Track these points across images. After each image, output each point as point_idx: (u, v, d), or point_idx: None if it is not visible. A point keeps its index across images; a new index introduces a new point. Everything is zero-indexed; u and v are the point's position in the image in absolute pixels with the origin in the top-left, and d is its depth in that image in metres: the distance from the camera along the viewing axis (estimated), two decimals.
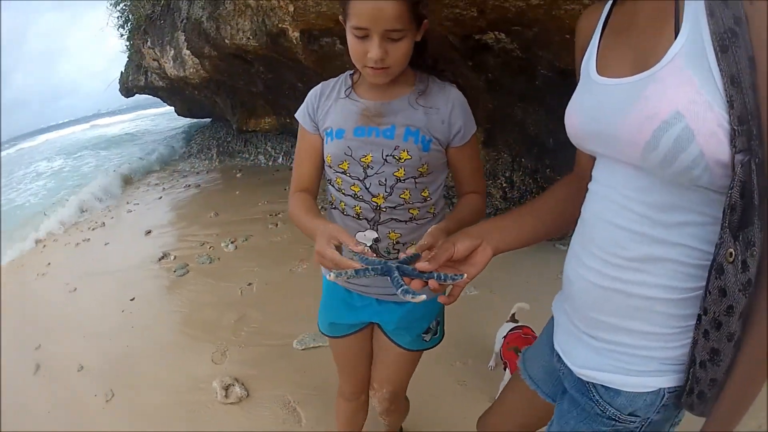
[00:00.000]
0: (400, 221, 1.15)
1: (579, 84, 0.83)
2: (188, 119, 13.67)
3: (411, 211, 1.15)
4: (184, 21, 5.35)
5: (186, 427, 2.22)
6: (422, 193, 1.15)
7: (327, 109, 1.16)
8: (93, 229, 6.09)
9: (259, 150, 8.92)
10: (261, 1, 3.57)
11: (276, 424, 2.17)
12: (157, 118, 24.64)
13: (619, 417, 0.80)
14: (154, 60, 7.57)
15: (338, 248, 0.89)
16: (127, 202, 7.43)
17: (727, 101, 0.59)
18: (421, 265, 0.80)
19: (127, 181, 9.15)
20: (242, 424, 2.20)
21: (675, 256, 0.69)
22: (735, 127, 0.59)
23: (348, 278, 0.83)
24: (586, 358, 0.82)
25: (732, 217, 0.61)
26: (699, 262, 0.69)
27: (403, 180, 1.11)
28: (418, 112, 1.09)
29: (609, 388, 0.79)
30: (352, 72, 1.17)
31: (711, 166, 0.62)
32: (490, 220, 0.92)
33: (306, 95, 1.21)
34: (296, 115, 1.22)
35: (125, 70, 10.81)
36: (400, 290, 0.77)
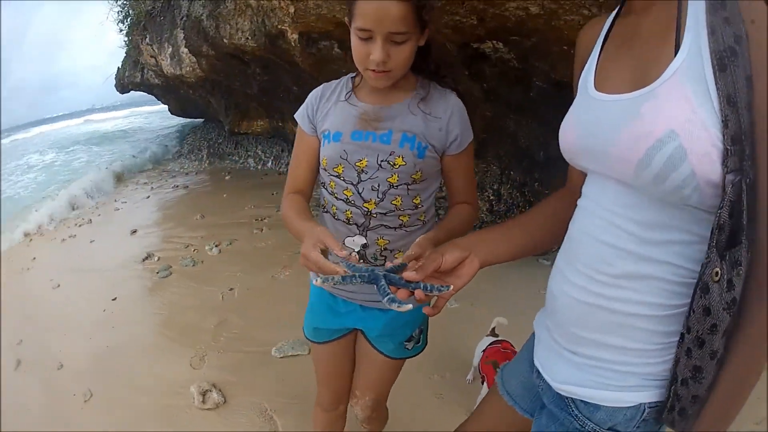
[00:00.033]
0: (390, 228, 1.15)
1: (576, 99, 0.83)
2: (181, 118, 13.64)
3: (401, 217, 1.14)
4: (184, 18, 5.36)
5: None
6: (414, 200, 1.14)
7: (326, 112, 1.16)
8: (80, 226, 6.08)
9: (249, 153, 8.91)
10: (262, 2, 3.58)
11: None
12: (151, 116, 24.67)
13: None
14: (151, 57, 7.57)
15: (324, 252, 0.88)
16: (116, 200, 7.42)
17: (722, 120, 0.59)
18: (408, 274, 0.80)
19: (120, 178, 9.14)
20: (219, 430, 2.18)
21: (660, 273, 0.70)
22: (728, 147, 0.59)
23: (335, 284, 0.81)
24: (567, 373, 0.82)
25: (720, 237, 0.62)
26: (684, 280, 0.69)
27: (396, 186, 1.10)
28: (417, 118, 1.09)
29: (588, 402, 0.79)
30: (353, 75, 1.17)
31: (702, 186, 0.62)
32: (478, 233, 0.92)
33: (300, 99, 1.20)
34: (296, 116, 1.21)
35: (122, 65, 10.81)
36: (386, 299, 0.77)
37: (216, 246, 4.53)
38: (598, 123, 0.73)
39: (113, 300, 3.64)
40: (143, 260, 4.40)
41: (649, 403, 0.75)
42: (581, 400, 0.80)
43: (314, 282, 0.79)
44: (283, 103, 5.87)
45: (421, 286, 0.79)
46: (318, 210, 1.27)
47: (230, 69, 5.57)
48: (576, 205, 0.83)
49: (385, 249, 1.16)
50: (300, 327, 1.42)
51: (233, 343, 2.88)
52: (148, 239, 5.12)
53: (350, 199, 1.13)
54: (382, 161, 1.08)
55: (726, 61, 0.59)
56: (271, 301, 3.38)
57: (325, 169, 1.15)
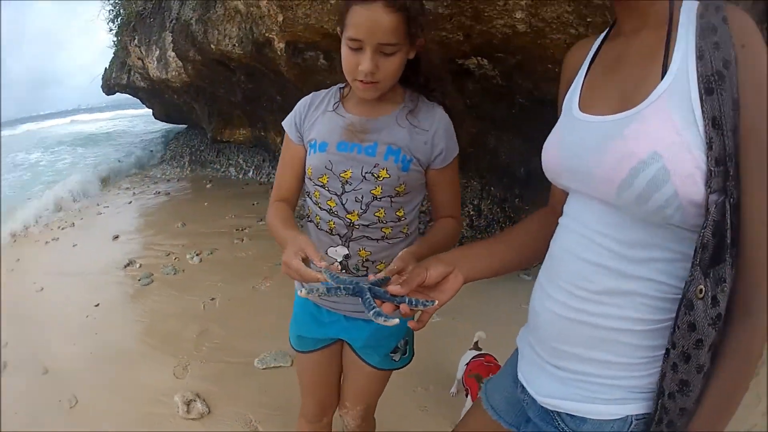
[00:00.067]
0: (372, 239, 1.15)
1: (560, 119, 0.83)
2: (164, 124, 13.49)
3: (384, 230, 1.14)
4: (173, 21, 5.31)
5: None
6: (397, 213, 1.14)
7: (314, 121, 1.16)
8: (63, 229, 5.99)
9: (230, 162, 8.83)
10: (251, 9, 3.56)
11: None
12: (135, 120, 24.33)
13: None
14: (138, 59, 7.48)
15: (306, 261, 0.88)
16: (98, 204, 7.31)
17: (707, 143, 0.60)
18: (393, 288, 0.80)
19: (105, 182, 9.00)
20: None
21: (642, 289, 0.70)
22: (712, 168, 0.60)
23: (320, 295, 0.81)
24: (551, 387, 0.81)
25: (703, 255, 0.62)
26: (666, 296, 0.69)
27: (380, 198, 1.11)
28: (403, 131, 1.09)
29: (575, 416, 0.78)
30: (342, 86, 1.17)
31: (684, 206, 0.63)
32: (462, 248, 0.92)
33: (283, 109, 1.21)
34: (283, 123, 1.21)
35: (109, 66, 10.59)
36: (372, 312, 0.77)
37: (197, 255, 4.49)
38: (581, 144, 0.73)
39: (96, 306, 3.59)
40: (125, 266, 4.34)
41: (636, 415, 0.74)
42: (567, 414, 0.79)
43: (299, 293, 0.79)
44: (266, 113, 5.83)
45: (406, 300, 0.79)
46: (301, 221, 1.27)
47: (215, 75, 5.52)
48: (558, 223, 0.84)
49: (367, 260, 1.16)
50: (281, 338, 1.41)
51: (215, 353, 2.85)
52: (130, 245, 5.07)
53: (333, 209, 1.13)
54: (366, 173, 1.08)
55: (713, 85, 0.60)
56: (252, 312, 3.36)
57: (310, 179, 1.15)
